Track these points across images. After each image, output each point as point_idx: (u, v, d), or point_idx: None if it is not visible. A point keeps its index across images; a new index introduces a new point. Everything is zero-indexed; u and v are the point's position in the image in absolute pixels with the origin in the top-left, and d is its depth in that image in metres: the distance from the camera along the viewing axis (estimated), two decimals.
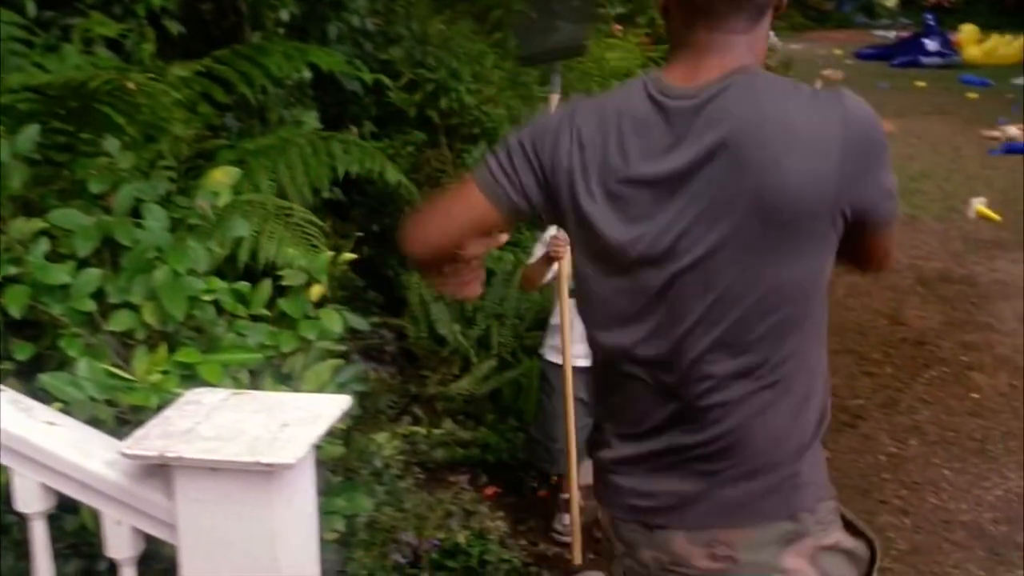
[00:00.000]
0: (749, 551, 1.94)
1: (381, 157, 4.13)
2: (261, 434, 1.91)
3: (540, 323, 5.10)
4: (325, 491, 2.89)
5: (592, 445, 2.13)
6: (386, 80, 5.06)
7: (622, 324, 1.95)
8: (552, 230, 3.83)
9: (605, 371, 2.05)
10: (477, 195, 1.99)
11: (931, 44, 20.01)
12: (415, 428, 4.40)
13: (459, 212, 2.05)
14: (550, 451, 4.16)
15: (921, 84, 16.88)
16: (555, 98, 3.85)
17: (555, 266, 3.86)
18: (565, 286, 3.82)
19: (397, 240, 2.08)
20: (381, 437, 3.79)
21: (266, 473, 1.84)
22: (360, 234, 4.58)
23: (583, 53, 3.93)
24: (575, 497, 3.96)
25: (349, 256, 2.82)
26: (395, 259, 5.18)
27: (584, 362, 3.91)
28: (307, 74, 4.56)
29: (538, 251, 3.94)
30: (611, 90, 2.05)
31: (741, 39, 1.91)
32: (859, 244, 1.94)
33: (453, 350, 4.90)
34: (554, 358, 4.09)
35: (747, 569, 1.95)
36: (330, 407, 2.04)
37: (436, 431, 4.48)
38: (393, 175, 4.14)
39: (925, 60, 19.72)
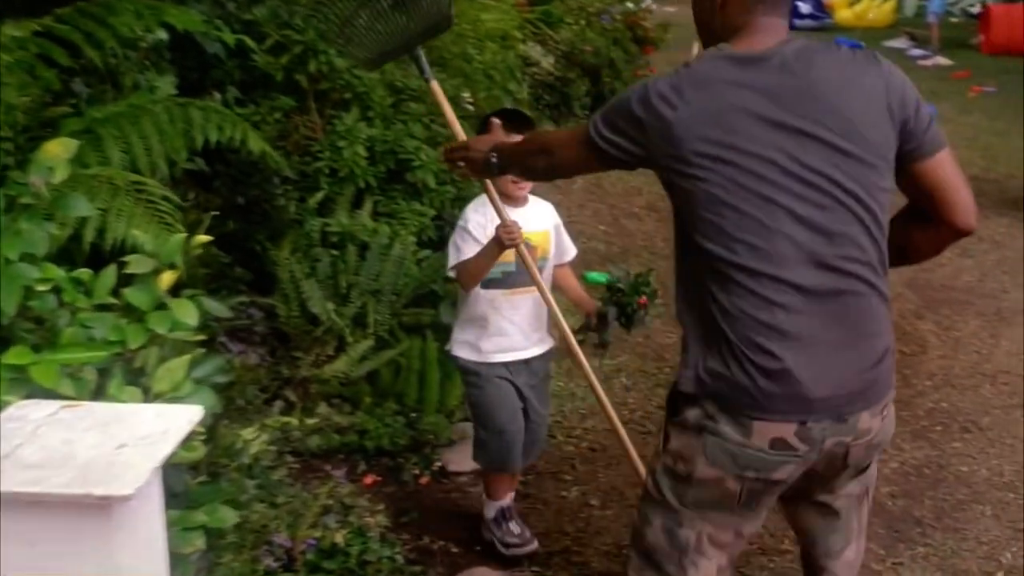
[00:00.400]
0: (890, 404, 2.62)
1: (243, 125, 3.82)
2: (95, 458, 1.61)
3: (418, 300, 4.85)
4: (184, 497, 2.61)
5: (750, 366, 2.40)
6: (250, 42, 4.72)
7: (777, 235, 2.37)
8: (486, 215, 3.52)
9: (768, 290, 2.38)
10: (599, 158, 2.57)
11: (804, 6, 20.18)
12: (287, 418, 4.10)
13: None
14: (501, 448, 3.74)
15: None
16: (436, 85, 3.41)
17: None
18: (537, 272, 3.52)
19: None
20: (248, 432, 3.49)
21: (102, 506, 1.55)
22: (216, 213, 4.25)
23: (451, 24, 3.56)
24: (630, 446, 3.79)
25: (204, 239, 2.50)
26: (263, 233, 4.86)
27: (505, 356, 3.69)
28: (163, 35, 4.21)
29: (464, 244, 3.56)
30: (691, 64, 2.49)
31: (783, 22, 2.51)
32: (930, 178, 2.53)
33: (327, 329, 4.60)
34: (468, 355, 3.73)
35: (889, 416, 2.64)
36: (178, 420, 1.75)
37: (309, 421, 4.18)
38: (256, 144, 3.82)
39: (798, 23, 19.84)
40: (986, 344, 5.97)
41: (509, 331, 3.67)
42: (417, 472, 4.29)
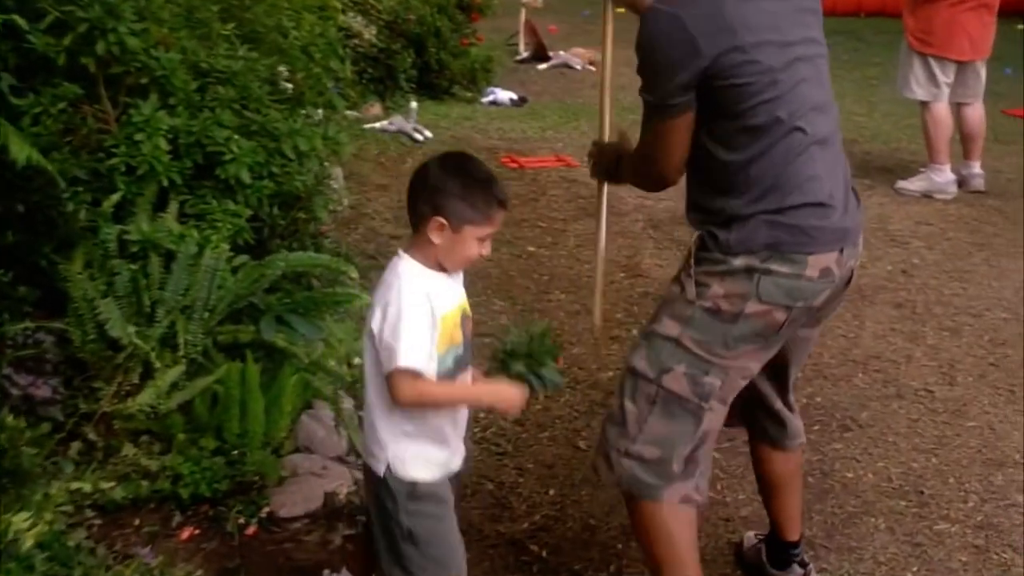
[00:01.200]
0: None
1: (2, 127, 3.12)
2: None
3: (235, 315, 4.21)
4: None
5: (804, 208, 2.88)
6: (21, 21, 4.01)
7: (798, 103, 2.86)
8: (430, 280, 2.80)
9: (809, 143, 2.89)
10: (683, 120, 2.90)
11: None
12: (78, 484, 3.44)
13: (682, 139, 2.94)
14: None
15: (621, 11, 16.57)
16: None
17: None
18: None
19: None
20: (21, 518, 2.83)
21: None
22: None
23: None
24: None
25: None
26: (50, 244, 4.16)
27: (456, 461, 2.97)
28: None
29: (425, 327, 2.73)
30: None
31: None
32: None
33: (130, 355, 3.93)
34: (429, 473, 2.86)
35: None
36: None
37: (105, 484, 3.53)
38: (20, 150, 3.14)
39: None
40: (852, 327, 5.63)
41: (462, 427, 2.98)
42: (242, 521, 3.67)
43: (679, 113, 2.87)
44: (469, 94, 10.62)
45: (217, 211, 4.37)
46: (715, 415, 3.02)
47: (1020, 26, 9.75)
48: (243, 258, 4.32)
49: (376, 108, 9.35)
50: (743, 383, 3.06)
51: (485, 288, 5.78)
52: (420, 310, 2.71)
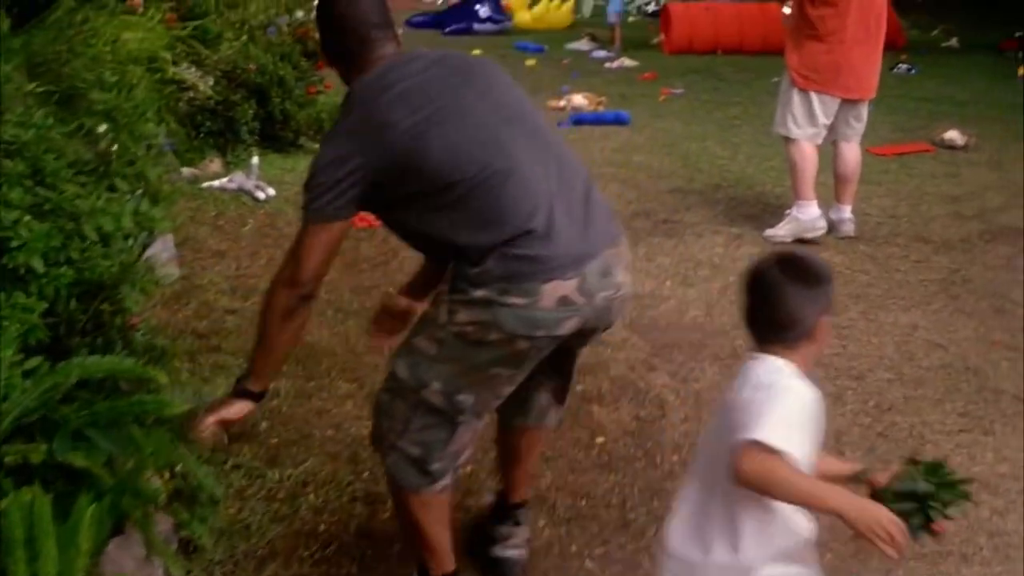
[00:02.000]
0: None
1: None
2: None
3: (24, 430, 3.59)
4: None
5: (528, 238, 3.00)
6: None
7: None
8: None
9: (520, 180, 3.05)
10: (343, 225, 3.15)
11: (483, 10, 19.54)
12: None
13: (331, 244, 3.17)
14: None
15: (477, 52, 16.24)
16: None
17: None
18: None
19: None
20: None
21: None
22: None
23: None
24: None
25: None
26: None
27: None
28: None
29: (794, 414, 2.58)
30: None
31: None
32: None
33: None
34: None
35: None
36: None
37: None
38: None
39: (478, 27, 19.26)
40: None
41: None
42: None
43: (344, 217, 3.11)
44: (317, 146, 10.06)
45: (5, 306, 3.75)
46: (470, 427, 3.25)
47: None
48: (36, 360, 3.71)
49: (216, 164, 8.74)
50: (497, 401, 3.28)
51: (328, 369, 5.23)
52: (805, 401, 2.57)
